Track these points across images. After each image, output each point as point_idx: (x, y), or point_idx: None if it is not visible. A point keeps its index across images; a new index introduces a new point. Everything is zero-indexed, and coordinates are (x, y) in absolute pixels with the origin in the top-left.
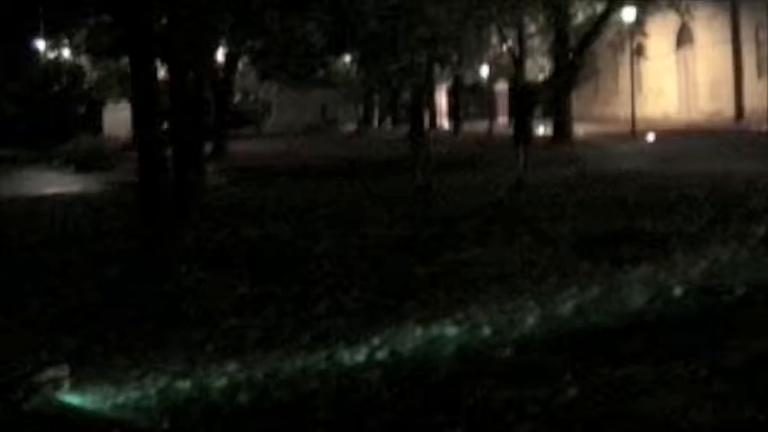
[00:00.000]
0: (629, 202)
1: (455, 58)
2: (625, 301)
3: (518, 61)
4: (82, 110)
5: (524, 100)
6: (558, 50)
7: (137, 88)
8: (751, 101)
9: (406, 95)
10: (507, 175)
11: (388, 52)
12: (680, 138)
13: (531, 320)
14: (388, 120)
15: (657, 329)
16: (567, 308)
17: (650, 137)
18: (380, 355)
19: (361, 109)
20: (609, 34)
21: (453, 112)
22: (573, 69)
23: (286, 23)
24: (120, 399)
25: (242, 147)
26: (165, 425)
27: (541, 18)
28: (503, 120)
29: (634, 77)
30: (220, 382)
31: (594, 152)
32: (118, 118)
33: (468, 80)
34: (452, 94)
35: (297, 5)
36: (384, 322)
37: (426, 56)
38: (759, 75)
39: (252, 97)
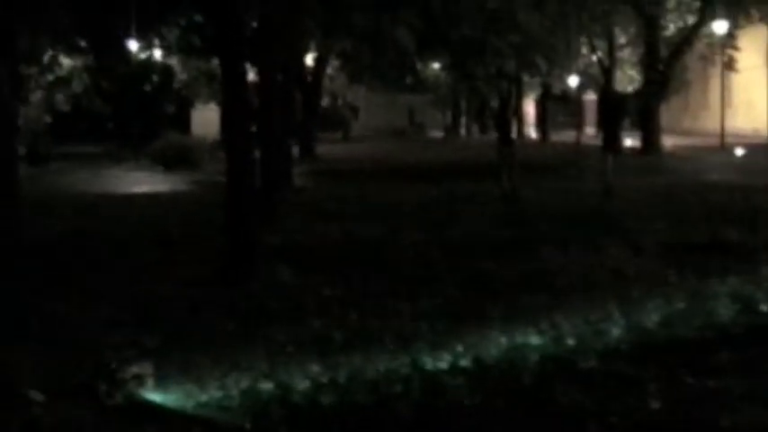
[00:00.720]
0: (716, 214)
1: (544, 66)
2: (711, 313)
3: (607, 71)
4: (171, 109)
5: (613, 110)
6: (648, 62)
7: (226, 89)
8: None
9: (494, 103)
10: (594, 183)
11: (478, 58)
12: None
13: (615, 331)
14: (476, 127)
15: (744, 343)
16: (652, 319)
17: (739, 150)
18: (464, 361)
19: (448, 115)
20: (699, 46)
21: (541, 121)
22: (662, 81)
23: (375, 25)
24: (203, 397)
25: (329, 149)
26: (247, 425)
27: (632, 29)
28: (590, 130)
29: (724, 90)
30: (303, 384)
31: (682, 164)
32: (206, 118)
33: (556, 90)
34: (540, 103)
35: (387, 7)
36: (467, 328)
37: (515, 63)
38: None
39: (340, 101)
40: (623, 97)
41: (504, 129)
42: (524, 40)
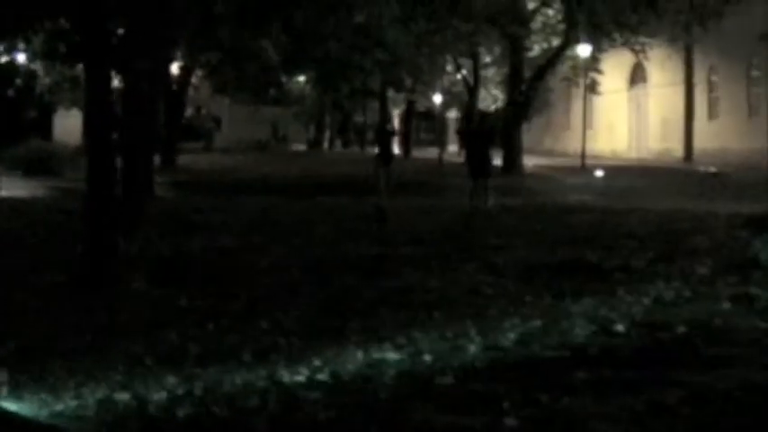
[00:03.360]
0: (575, 235)
1: (409, 83)
2: (567, 333)
3: (471, 90)
4: (33, 115)
5: (485, 137)
6: (512, 82)
7: (90, 95)
8: (700, 142)
9: (357, 118)
10: (457, 202)
11: (343, 74)
12: (629, 174)
13: (472, 348)
14: (339, 141)
15: (599, 363)
16: (508, 337)
17: (599, 172)
18: (321, 375)
19: (311, 129)
20: (563, 68)
21: (404, 138)
22: (525, 102)
23: (240, 39)
24: (58, 407)
25: (192, 160)
26: None
27: (497, 49)
28: (452, 148)
29: (586, 113)
30: (159, 396)
31: (543, 185)
32: (69, 124)
33: (420, 106)
34: (404, 119)
35: (252, 22)
36: (325, 343)
37: (381, 80)
38: (710, 116)
39: (203, 111)
40: (492, 126)
41: (386, 147)
42: (390, 58)
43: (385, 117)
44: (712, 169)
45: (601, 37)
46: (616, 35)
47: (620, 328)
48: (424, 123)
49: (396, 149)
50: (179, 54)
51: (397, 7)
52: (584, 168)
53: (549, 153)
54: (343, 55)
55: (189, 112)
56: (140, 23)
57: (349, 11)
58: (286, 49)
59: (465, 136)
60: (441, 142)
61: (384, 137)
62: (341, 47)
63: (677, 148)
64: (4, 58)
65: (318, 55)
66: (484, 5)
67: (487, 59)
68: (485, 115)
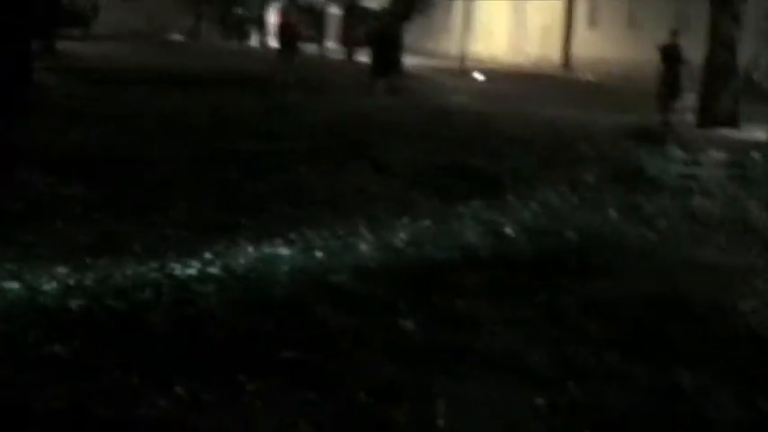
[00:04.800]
0: (459, 137)
1: None
2: (458, 236)
3: None
4: None
5: (388, 39)
6: None
7: None
8: (579, 50)
9: (236, 11)
10: (343, 100)
11: None
12: (508, 79)
13: (364, 247)
14: (216, 33)
15: (491, 266)
16: (400, 237)
17: (479, 75)
18: (213, 269)
19: (190, 20)
20: None
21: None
22: (408, 1)
23: None
24: None
25: (70, 47)
26: None
27: None
28: (331, 44)
29: (467, 15)
30: (50, 286)
31: (424, 85)
32: None
33: (302, 1)
34: (285, 14)
35: None
36: (216, 237)
37: None
38: (589, 24)
39: None
40: (393, 25)
41: (292, 40)
42: None
43: (287, 11)
44: (590, 77)
45: None
46: None
47: (509, 232)
48: (305, 18)
49: (273, 43)
50: None
51: None
52: (464, 71)
53: (429, 54)
54: None
55: None
56: None
57: None
58: None
59: (372, 38)
60: (320, 38)
61: (286, 30)
62: None
63: (556, 55)
64: None
65: None
66: None
67: None
68: (385, 15)
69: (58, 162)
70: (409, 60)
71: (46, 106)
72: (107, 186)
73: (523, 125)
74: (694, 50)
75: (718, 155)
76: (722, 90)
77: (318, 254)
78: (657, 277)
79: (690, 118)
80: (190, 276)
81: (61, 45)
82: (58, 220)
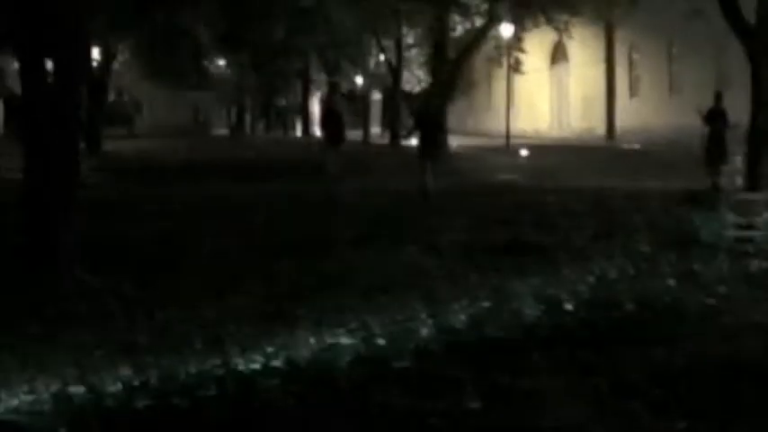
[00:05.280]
0: (510, 215)
1: (345, 66)
2: (517, 313)
3: (395, 71)
4: None
5: (433, 118)
6: (436, 63)
7: (24, 83)
8: (622, 119)
9: (281, 101)
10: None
11: (283, 57)
12: (553, 153)
13: (424, 330)
14: (261, 125)
15: (553, 343)
16: (460, 319)
17: (524, 151)
18: (276, 362)
19: (233, 112)
20: (486, 48)
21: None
22: (449, 82)
23: (175, 20)
24: (13, 402)
25: (116, 146)
26: (62, 430)
27: (419, 30)
28: (375, 129)
29: (510, 92)
30: (115, 387)
31: (471, 165)
32: None
33: (344, 88)
34: (328, 102)
35: (188, 2)
36: (277, 329)
37: (319, 63)
38: (631, 94)
39: (125, 96)
40: (439, 107)
41: (335, 128)
42: (331, 40)
43: (332, 98)
44: (635, 146)
45: (523, 15)
46: (539, 12)
47: (569, 306)
48: (347, 105)
49: (317, 132)
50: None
51: None
52: (509, 148)
53: (473, 133)
54: (286, 37)
55: (110, 96)
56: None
57: None
58: (219, 30)
59: (417, 118)
60: (365, 124)
61: (332, 118)
62: (282, 29)
63: (599, 127)
64: None
65: (257, 37)
66: None
67: (410, 40)
68: (430, 97)
69: (109, 261)
70: (452, 140)
71: (95, 207)
72: (161, 283)
73: (572, 198)
74: (737, 112)
75: None
76: None
77: (380, 340)
78: (720, 342)
79: (739, 181)
80: (253, 371)
81: (107, 145)
82: (116, 319)
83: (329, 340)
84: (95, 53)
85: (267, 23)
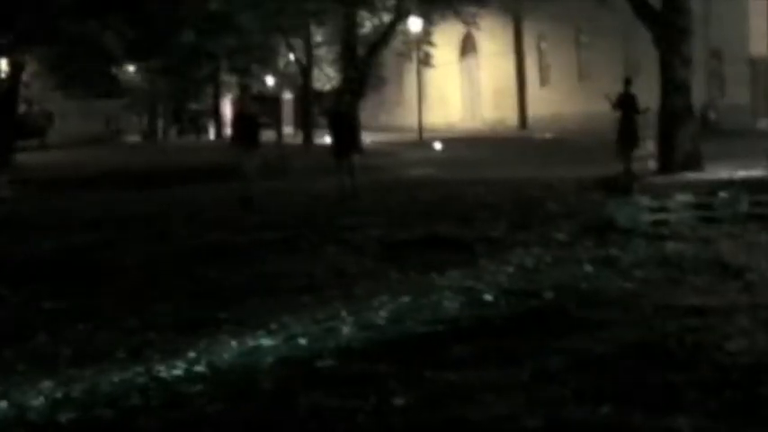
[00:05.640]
0: (427, 209)
1: (256, 68)
2: (438, 307)
3: (305, 70)
4: None
5: (345, 119)
6: (345, 60)
7: None
8: (533, 109)
9: (192, 105)
10: (307, 184)
11: (193, 62)
12: (466, 145)
13: (346, 329)
14: (173, 130)
15: (475, 334)
16: (381, 315)
17: (438, 145)
18: (199, 368)
19: (144, 119)
20: (395, 43)
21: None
22: (360, 79)
23: (84, 31)
24: None
25: (27, 158)
26: None
27: (328, 27)
28: (288, 129)
29: (421, 86)
30: (38, 401)
31: (385, 161)
32: None
33: (254, 89)
34: (239, 104)
35: (96, 12)
36: (198, 335)
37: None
38: (541, 84)
39: (35, 107)
40: (350, 105)
41: (250, 131)
42: (241, 43)
43: (244, 101)
44: (548, 135)
45: (431, 9)
46: (446, 6)
47: (488, 297)
48: (259, 106)
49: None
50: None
51: None
52: (423, 142)
53: (385, 128)
54: (196, 42)
55: (20, 108)
56: None
57: None
58: (127, 38)
59: (330, 117)
60: (278, 124)
61: (244, 121)
62: (191, 34)
63: (511, 117)
64: None
65: (168, 43)
66: None
67: (319, 38)
68: (340, 95)
69: (27, 274)
70: (367, 137)
71: (8, 220)
72: (81, 295)
73: (488, 189)
74: (647, 97)
75: (684, 198)
76: (681, 133)
77: (301, 341)
78: (640, 326)
79: (652, 165)
80: (176, 377)
81: (19, 157)
82: (36, 333)
83: (251, 343)
84: (2, 64)
85: (175, 29)
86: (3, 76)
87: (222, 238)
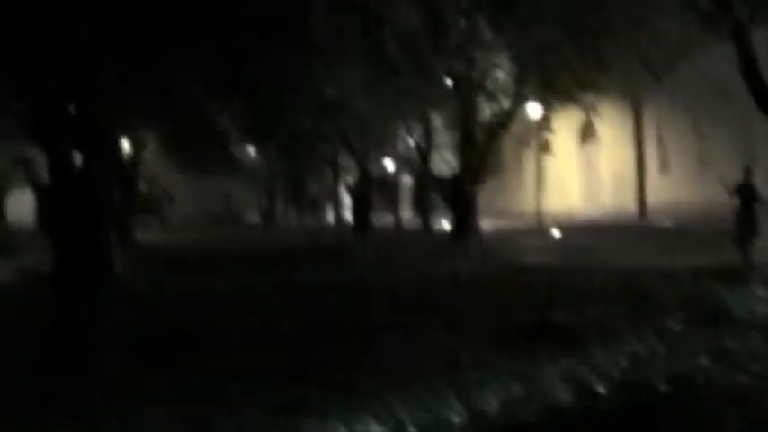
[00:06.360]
0: (542, 296)
1: (373, 151)
2: (548, 397)
3: (424, 154)
4: None
5: (462, 203)
6: (465, 147)
7: (53, 176)
8: (653, 197)
9: (311, 189)
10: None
11: (309, 145)
12: (584, 232)
13: (456, 419)
14: (293, 212)
15: (586, 427)
16: (491, 405)
17: (556, 231)
18: None
19: (263, 199)
20: (515, 129)
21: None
22: (479, 164)
23: (201, 113)
24: None
25: (148, 237)
26: None
27: (447, 112)
28: (407, 213)
29: (540, 172)
30: None
31: (502, 247)
32: (22, 203)
33: (373, 173)
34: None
35: (217, 94)
36: (307, 418)
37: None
38: (661, 171)
39: (156, 186)
40: (470, 192)
41: (362, 214)
42: (358, 127)
43: (364, 184)
44: (666, 223)
45: (551, 96)
46: (563, 93)
47: (601, 389)
48: (378, 190)
49: (348, 216)
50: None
51: (364, 75)
52: (540, 228)
53: (503, 214)
54: (312, 126)
55: (141, 187)
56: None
57: (318, 83)
58: (247, 120)
59: (453, 202)
60: (395, 208)
61: (362, 204)
62: (309, 119)
63: (630, 204)
64: None
65: (285, 126)
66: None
67: (438, 123)
68: (460, 182)
69: (141, 349)
70: (484, 222)
71: (129, 297)
72: (192, 371)
73: (604, 277)
74: (766, 187)
75: None
76: None
77: (410, 429)
78: (755, 424)
79: None
80: None
81: (139, 236)
82: (144, 407)
83: (360, 429)
84: (125, 144)
85: (291, 115)
86: (125, 155)
87: (328, 319)
